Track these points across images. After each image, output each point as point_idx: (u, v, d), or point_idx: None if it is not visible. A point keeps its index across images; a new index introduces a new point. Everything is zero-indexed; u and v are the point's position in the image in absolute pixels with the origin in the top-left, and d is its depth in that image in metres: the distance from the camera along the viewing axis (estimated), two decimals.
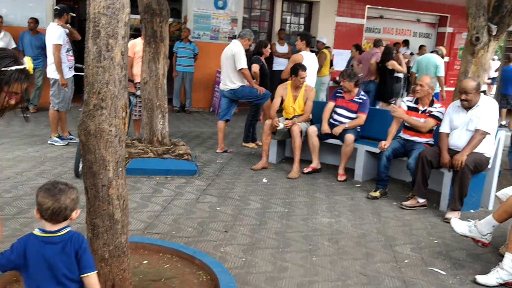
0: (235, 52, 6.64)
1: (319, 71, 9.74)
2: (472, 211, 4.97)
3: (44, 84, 8.87)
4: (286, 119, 6.32)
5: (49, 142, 6.75)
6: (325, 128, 5.99)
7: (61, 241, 2.05)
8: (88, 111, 2.41)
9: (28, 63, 2.21)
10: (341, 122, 6.01)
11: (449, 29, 13.62)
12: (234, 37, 10.39)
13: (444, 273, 3.57)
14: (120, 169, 2.51)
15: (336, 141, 6.03)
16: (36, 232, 2.08)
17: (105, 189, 2.47)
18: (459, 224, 3.86)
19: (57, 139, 6.73)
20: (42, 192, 2.04)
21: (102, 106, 2.39)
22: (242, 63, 6.63)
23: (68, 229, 2.10)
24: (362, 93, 6.08)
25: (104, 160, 2.44)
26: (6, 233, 3.69)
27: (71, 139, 6.85)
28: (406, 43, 12.82)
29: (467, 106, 4.78)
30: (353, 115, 6.00)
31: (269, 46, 7.49)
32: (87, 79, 2.42)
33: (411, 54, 12.45)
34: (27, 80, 2.22)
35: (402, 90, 12.03)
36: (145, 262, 3.22)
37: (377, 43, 10.35)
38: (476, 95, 4.73)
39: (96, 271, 2.14)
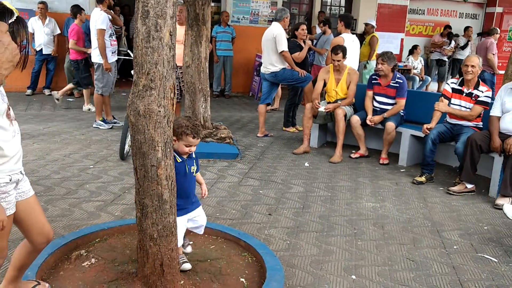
0: (276, 35, 6.57)
1: (371, 55, 9.48)
2: None
3: None
4: (329, 102, 6.21)
5: (94, 125, 6.90)
6: (375, 119, 5.79)
7: None
8: (138, 92, 2.42)
9: (10, 7, 2.04)
10: (382, 110, 5.87)
11: (498, 9, 13.01)
12: (273, 20, 10.26)
13: (496, 260, 3.45)
14: (169, 149, 2.52)
15: (379, 125, 5.89)
16: None
17: (154, 169, 2.48)
18: None
19: (102, 122, 6.88)
20: None
21: (151, 87, 2.39)
22: (283, 45, 6.55)
23: None
24: (398, 75, 5.86)
25: (153, 141, 2.45)
26: (56, 212, 3.81)
27: (115, 122, 6.99)
28: (449, 35, 12.02)
29: None
30: (394, 101, 5.83)
31: (301, 27, 7.31)
32: (136, 59, 2.42)
33: (456, 35, 11.99)
34: (26, 26, 2.09)
35: (447, 73, 11.67)
36: (191, 243, 3.25)
37: (491, 31, 9.66)
38: None
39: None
